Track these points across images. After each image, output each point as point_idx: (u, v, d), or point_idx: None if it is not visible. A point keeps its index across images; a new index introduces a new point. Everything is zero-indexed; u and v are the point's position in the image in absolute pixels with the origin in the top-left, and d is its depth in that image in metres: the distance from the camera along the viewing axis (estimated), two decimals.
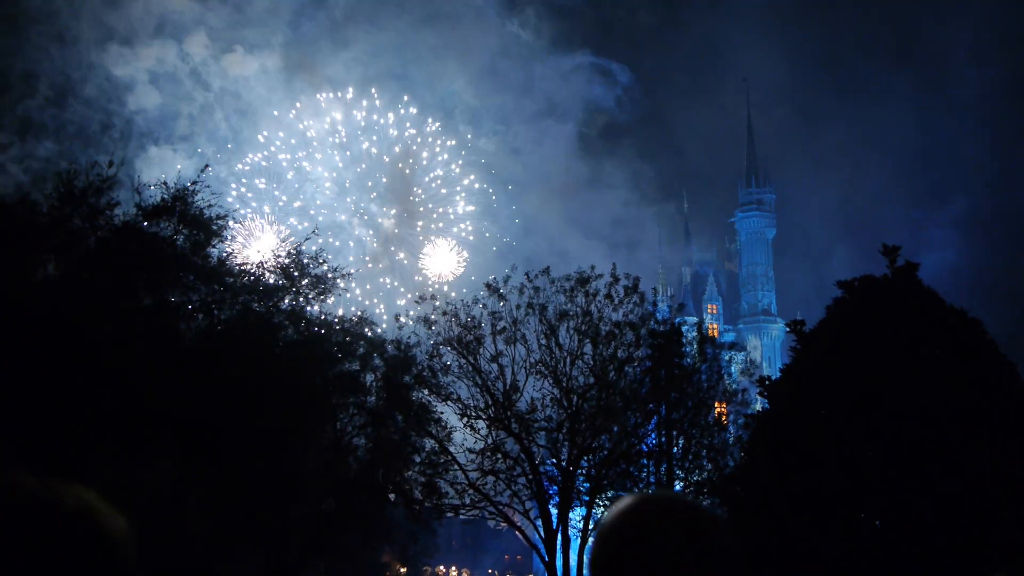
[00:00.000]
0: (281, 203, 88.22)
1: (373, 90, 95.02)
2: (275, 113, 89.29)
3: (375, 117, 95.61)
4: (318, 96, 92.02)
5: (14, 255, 22.30)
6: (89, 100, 76.14)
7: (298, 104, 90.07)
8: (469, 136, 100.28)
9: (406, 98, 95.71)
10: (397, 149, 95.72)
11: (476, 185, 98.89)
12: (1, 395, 19.32)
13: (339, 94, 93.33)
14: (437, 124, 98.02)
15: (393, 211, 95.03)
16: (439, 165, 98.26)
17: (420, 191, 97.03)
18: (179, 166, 78.72)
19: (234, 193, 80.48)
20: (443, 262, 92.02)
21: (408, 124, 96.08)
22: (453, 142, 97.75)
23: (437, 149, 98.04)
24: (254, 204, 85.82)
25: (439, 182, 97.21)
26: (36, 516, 1.50)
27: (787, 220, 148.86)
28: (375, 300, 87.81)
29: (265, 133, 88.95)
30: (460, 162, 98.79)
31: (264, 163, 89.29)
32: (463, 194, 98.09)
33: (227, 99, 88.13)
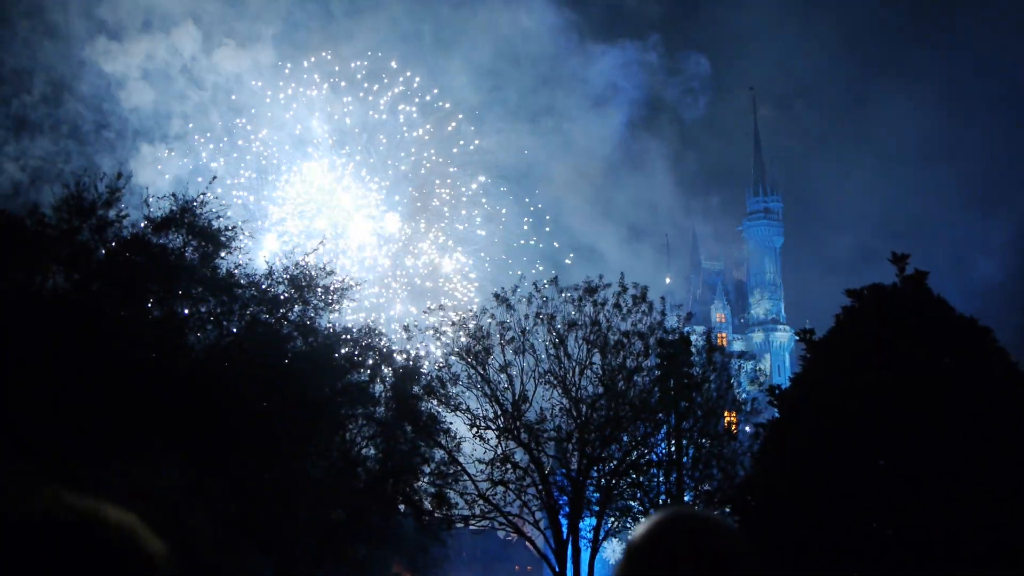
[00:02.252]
0: (282, 204, 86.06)
1: (383, 80, 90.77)
2: (268, 115, 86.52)
3: (381, 109, 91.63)
4: (313, 91, 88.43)
5: (23, 267, 22.39)
6: (82, 97, 75.16)
7: (283, 94, 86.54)
8: (475, 137, 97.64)
9: (417, 80, 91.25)
10: (413, 150, 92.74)
11: (481, 183, 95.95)
12: (10, 406, 19.38)
13: (341, 83, 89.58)
14: (453, 124, 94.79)
15: (399, 215, 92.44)
16: (450, 165, 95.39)
17: (444, 193, 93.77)
18: (177, 165, 77.70)
19: (234, 195, 79.05)
20: (451, 267, 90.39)
21: (414, 117, 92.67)
22: (462, 142, 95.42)
23: (454, 150, 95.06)
24: (252, 207, 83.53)
25: (450, 182, 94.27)
26: (80, 534, 1.52)
27: (795, 228, 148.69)
28: (382, 302, 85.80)
29: (264, 132, 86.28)
30: (467, 162, 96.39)
31: (263, 161, 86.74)
32: (474, 195, 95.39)
33: (220, 96, 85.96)
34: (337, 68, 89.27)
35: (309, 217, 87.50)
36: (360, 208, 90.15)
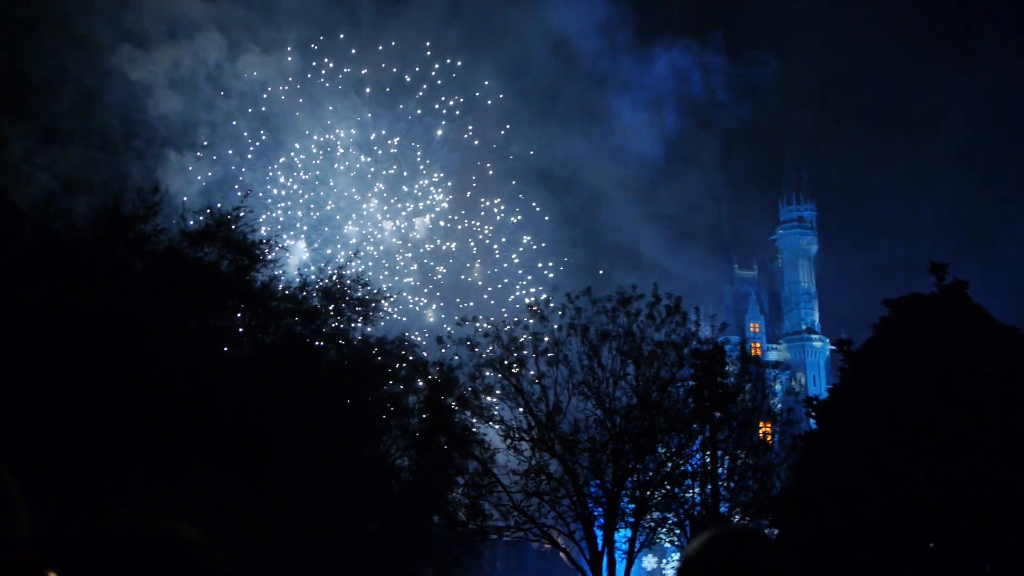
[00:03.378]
0: (313, 215, 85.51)
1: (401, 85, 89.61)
2: (296, 121, 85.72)
3: (412, 113, 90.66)
4: (342, 93, 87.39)
5: (63, 281, 22.66)
6: (110, 106, 75.62)
7: (311, 100, 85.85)
8: (512, 141, 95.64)
9: (447, 79, 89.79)
10: (445, 153, 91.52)
11: (517, 187, 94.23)
12: (49, 418, 19.59)
13: (366, 89, 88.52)
14: (488, 127, 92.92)
15: (431, 221, 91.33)
16: (488, 169, 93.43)
17: (480, 200, 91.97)
18: (204, 173, 77.80)
19: (265, 211, 78.83)
20: (484, 275, 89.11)
21: (447, 119, 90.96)
22: (494, 146, 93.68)
23: (490, 154, 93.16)
24: (282, 216, 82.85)
25: (486, 187, 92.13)
26: (163, 551, 1.68)
27: (829, 236, 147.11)
28: (415, 310, 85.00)
29: (291, 139, 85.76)
30: (505, 168, 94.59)
31: (291, 173, 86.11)
32: (510, 200, 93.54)
33: (247, 103, 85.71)
34: (364, 72, 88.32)
35: (338, 225, 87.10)
36: (391, 215, 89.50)
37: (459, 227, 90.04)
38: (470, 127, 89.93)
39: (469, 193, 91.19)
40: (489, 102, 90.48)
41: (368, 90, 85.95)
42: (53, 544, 1.71)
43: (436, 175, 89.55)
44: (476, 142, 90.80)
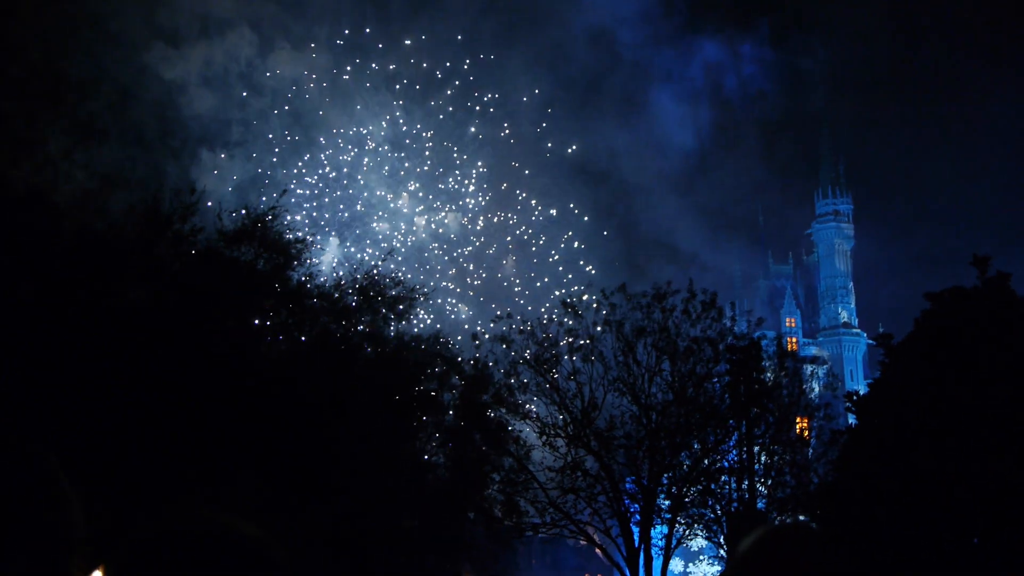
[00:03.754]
0: (343, 214, 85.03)
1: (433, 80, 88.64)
2: (328, 118, 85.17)
3: (443, 109, 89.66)
4: (373, 88, 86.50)
5: (104, 280, 22.91)
6: (145, 104, 75.95)
7: (343, 96, 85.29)
8: (549, 134, 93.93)
9: (478, 73, 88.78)
10: (478, 146, 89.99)
11: (554, 183, 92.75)
12: (90, 417, 19.82)
13: (396, 85, 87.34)
14: (521, 121, 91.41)
15: (466, 217, 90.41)
16: (523, 166, 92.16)
17: (516, 192, 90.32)
18: (239, 169, 78.13)
19: (298, 209, 78.63)
20: (518, 270, 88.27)
21: (480, 115, 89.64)
22: (512, 141, 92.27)
23: (523, 148, 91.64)
24: (314, 212, 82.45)
25: (521, 181, 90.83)
26: (229, 546, 1.75)
27: (866, 230, 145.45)
28: (450, 309, 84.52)
29: (322, 136, 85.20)
30: (541, 162, 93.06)
31: (322, 170, 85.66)
32: (545, 194, 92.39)
33: (279, 101, 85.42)
34: (392, 67, 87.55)
35: (369, 222, 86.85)
36: (425, 211, 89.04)
37: (494, 220, 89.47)
38: (505, 124, 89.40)
39: (505, 186, 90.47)
40: (524, 99, 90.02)
41: (399, 86, 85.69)
42: (115, 542, 1.75)
43: (471, 170, 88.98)
44: (511, 137, 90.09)
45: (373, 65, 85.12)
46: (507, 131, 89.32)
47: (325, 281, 34.70)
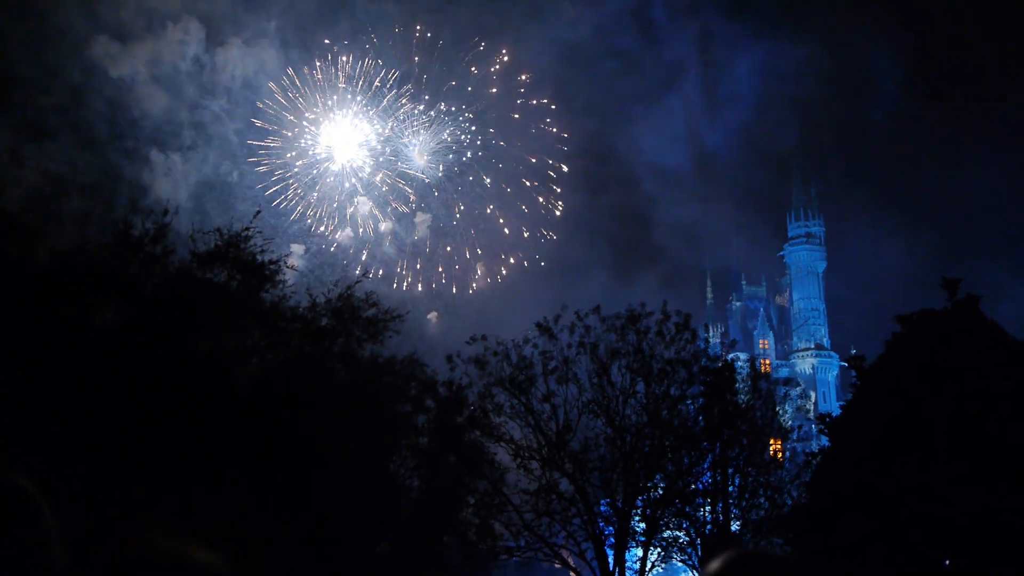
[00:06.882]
0: (305, 217, 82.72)
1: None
2: (285, 115, 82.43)
3: (405, 110, 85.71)
4: (330, 81, 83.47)
5: (74, 303, 22.70)
6: (94, 102, 73.78)
7: (299, 93, 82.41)
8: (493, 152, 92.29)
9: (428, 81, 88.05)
10: (457, 160, 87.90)
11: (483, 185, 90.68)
12: (63, 439, 19.61)
13: (357, 83, 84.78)
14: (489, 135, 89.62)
15: (428, 221, 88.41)
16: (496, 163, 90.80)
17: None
18: (193, 171, 76.51)
19: (262, 189, 75.69)
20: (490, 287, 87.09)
21: (444, 117, 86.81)
22: (469, 153, 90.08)
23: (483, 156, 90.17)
24: (271, 213, 79.56)
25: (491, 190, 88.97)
26: (175, 573, 1.68)
27: (837, 252, 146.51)
28: (424, 321, 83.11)
29: (278, 136, 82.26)
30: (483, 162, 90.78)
31: (293, 167, 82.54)
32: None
33: (232, 98, 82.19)
34: (358, 64, 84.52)
35: (337, 227, 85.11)
36: (392, 217, 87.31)
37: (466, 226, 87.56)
38: (473, 127, 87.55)
39: (483, 193, 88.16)
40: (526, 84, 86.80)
41: (360, 83, 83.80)
42: (90, 567, 1.72)
43: (439, 171, 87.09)
44: (479, 139, 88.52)
45: (342, 57, 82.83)
46: (474, 133, 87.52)
47: (300, 303, 34.51)
